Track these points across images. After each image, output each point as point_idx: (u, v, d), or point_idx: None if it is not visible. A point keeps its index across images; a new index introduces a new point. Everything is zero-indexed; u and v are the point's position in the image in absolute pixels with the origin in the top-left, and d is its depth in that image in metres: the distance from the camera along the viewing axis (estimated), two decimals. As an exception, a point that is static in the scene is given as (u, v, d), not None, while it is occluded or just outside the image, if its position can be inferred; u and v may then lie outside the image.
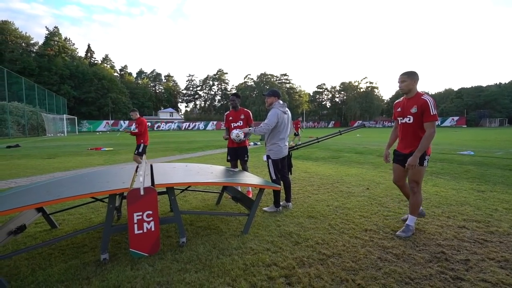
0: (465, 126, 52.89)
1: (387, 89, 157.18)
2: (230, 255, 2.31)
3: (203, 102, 78.20)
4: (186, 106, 79.49)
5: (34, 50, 51.89)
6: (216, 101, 77.78)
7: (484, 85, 65.14)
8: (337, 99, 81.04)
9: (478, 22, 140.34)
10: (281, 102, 3.49)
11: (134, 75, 71.94)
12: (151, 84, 72.40)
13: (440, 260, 2.20)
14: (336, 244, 2.49)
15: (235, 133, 3.73)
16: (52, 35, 53.64)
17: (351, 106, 73.79)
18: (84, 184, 2.65)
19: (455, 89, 73.35)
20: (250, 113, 4.18)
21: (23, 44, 51.13)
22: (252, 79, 73.07)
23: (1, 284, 1.86)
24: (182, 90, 77.76)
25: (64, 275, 2.03)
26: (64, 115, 33.99)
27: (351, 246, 2.45)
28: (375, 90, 76.30)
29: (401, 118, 2.67)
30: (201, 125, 53.07)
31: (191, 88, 77.48)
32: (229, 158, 4.21)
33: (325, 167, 6.68)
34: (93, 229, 2.60)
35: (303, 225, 2.96)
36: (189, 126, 52.38)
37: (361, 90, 76.33)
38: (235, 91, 71.66)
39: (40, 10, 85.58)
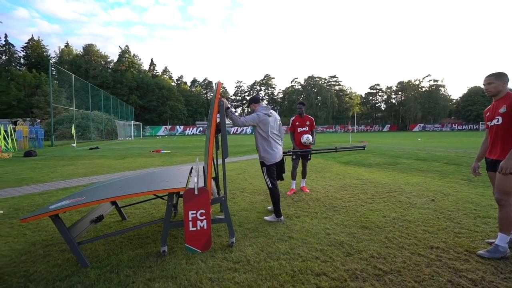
0: None
1: (457, 87, 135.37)
2: (278, 259, 2.29)
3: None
4: (234, 111, 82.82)
5: (110, 67, 61.16)
6: (263, 106, 79.04)
7: None
8: (393, 100, 74.03)
9: None
10: (263, 104, 3.45)
11: (189, 83, 78.27)
12: (203, 91, 77.63)
13: (535, 292, 1.79)
14: (395, 260, 2.25)
15: (305, 137, 4.55)
16: (124, 53, 62.50)
17: (410, 108, 66.41)
18: (148, 182, 2.98)
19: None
20: (313, 120, 4.82)
21: (102, 62, 60.76)
22: (299, 82, 72.18)
23: (85, 263, 2.22)
24: (231, 96, 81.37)
25: (132, 261, 2.30)
26: (132, 121, 38.99)
27: (413, 264, 2.18)
28: (441, 88, 67.23)
29: (490, 121, 2.48)
30: (249, 129, 54.49)
31: (239, 94, 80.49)
32: (294, 157, 4.67)
33: (380, 174, 6.15)
34: (154, 223, 2.89)
35: (355, 235, 2.77)
36: (237, 130, 54.36)
37: (423, 89, 68.22)
38: (282, 96, 72.03)
39: (113, 33, 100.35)
